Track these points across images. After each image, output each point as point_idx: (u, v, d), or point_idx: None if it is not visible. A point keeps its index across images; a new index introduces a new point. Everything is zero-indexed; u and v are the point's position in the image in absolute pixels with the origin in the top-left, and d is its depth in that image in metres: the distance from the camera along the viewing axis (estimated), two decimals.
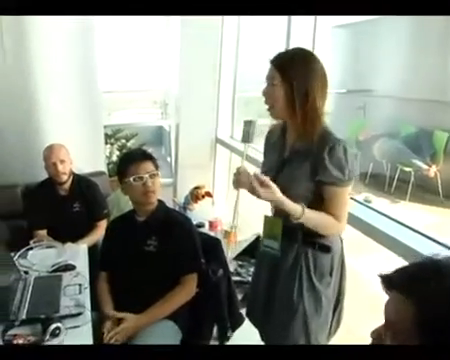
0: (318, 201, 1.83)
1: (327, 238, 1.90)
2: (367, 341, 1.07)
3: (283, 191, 1.77)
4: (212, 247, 2.49)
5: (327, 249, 1.91)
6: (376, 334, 1.06)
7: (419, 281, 0.99)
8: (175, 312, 2.24)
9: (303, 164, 1.82)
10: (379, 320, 1.05)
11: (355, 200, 2.76)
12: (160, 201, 2.40)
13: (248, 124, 1.92)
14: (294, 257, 1.93)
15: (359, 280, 3.99)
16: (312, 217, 1.80)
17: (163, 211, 2.40)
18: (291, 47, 2.00)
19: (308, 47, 2.22)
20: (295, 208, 1.77)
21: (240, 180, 1.86)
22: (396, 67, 7.75)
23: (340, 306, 2.04)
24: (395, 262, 2.24)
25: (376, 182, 7.59)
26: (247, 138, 1.92)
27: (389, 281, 1.03)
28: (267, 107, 1.88)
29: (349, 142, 1.85)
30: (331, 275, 1.94)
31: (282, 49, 1.93)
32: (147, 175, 2.26)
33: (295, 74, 1.76)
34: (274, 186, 1.74)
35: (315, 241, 1.90)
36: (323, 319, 1.97)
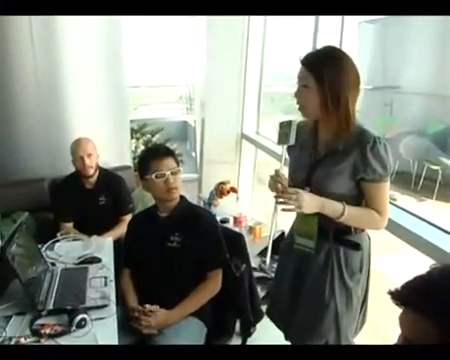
0: (355, 198, 1.83)
1: (357, 236, 1.90)
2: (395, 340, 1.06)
3: (317, 191, 1.79)
4: (234, 242, 2.48)
5: (358, 246, 1.90)
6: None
7: (431, 295, 0.96)
8: (200, 308, 2.24)
9: (340, 163, 1.79)
10: None
11: None
12: (182, 197, 2.38)
13: (285, 125, 1.85)
14: (326, 254, 1.92)
15: (385, 279, 3.95)
16: (354, 214, 1.81)
17: (185, 206, 2.39)
18: (319, 44, 1.97)
19: (335, 42, 2.19)
20: (336, 208, 1.79)
21: (277, 185, 1.83)
22: (424, 63, 7.61)
23: (366, 303, 2.04)
24: (419, 260, 2.23)
25: (402, 180, 7.48)
26: (285, 140, 1.85)
27: (400, 298, 1.00)
28: (298, 107, 1.84)
29: None
30: (361, 272, 1.94)
31: (309, 43, 1.90)
32: (169, 172, 2.24)
33: (327, 75, 1.73)
34: (310, 194, 1.78)
35: (346, 239, 1.90)
36: (353, 315, 1.97)
